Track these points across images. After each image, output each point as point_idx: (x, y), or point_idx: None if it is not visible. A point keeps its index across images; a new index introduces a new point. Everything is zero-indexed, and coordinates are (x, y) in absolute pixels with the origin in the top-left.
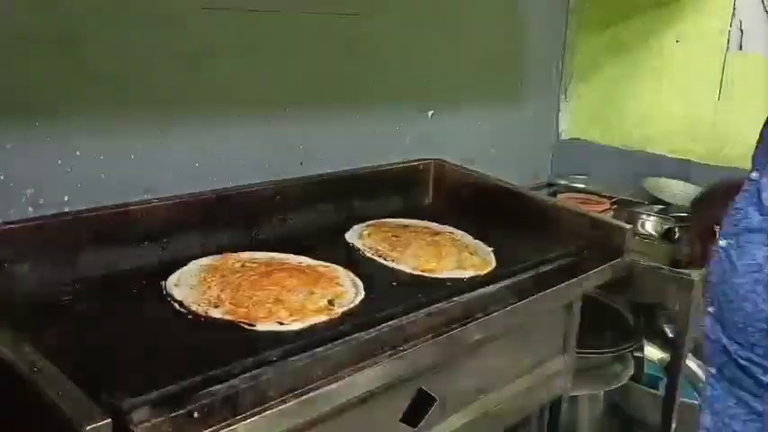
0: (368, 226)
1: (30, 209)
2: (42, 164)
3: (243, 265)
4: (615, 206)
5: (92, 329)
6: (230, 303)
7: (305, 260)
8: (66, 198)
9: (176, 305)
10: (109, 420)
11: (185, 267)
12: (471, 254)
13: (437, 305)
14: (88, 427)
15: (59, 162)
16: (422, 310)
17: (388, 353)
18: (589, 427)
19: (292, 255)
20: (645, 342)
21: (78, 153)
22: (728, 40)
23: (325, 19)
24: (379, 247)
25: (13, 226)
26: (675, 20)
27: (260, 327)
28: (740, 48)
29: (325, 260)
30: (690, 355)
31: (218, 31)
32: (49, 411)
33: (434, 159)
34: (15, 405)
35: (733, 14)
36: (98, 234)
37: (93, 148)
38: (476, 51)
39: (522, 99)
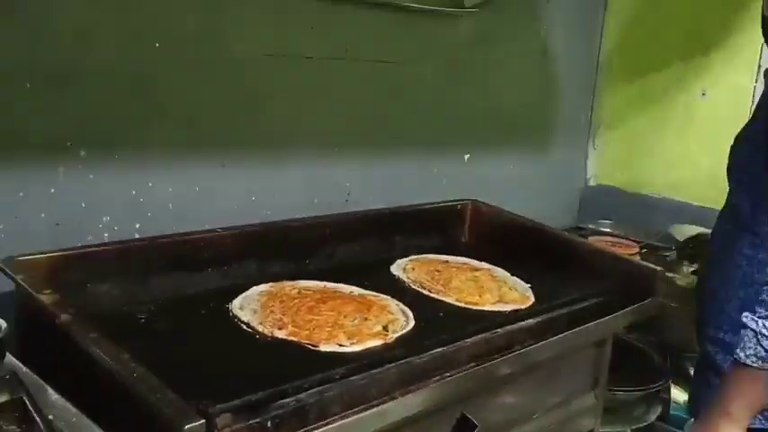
0: (411, 260)
1: (105, 235)
2: (118, 194)
3: (299, 292)
4: (644, 250)
5: (170, 345)
6: (292, 326)
7: (356, 289)
8: (137, 226)
9: (243, 326)
10: (203, 421)
11: (246, 292)
12: (510, 289)
13: (482, 335)
14: (186, 427)
15: (134, 193)
16: (468, 340)
17: (437, 377)
18: None
19: (344, 284)
20: (671, 383)
21: (150, 185)
22: (753, 95)
23: (370, 66)
24: (424, 281)
25: (94, 249)
26: (702, 73)
27: (323, 348)
28: None
29: (373, 290)
30: None
31: (276, 76)
32: (151, 413)
33: (471, 200)
34: (116, 407)
35: (758, 69)
36: (168, 259)
37: (164, 181)
38: (509, 100)
39: (552, 146)
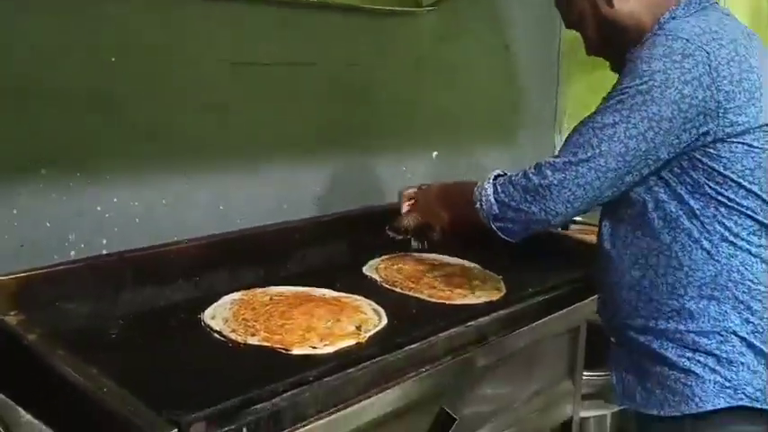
0: (382, 260)
1: (72, 253)
2: (83, 211)
3: (271, 299)
4: None
5: (142, 358)
6: (265, 332)
7: (328, 292)
8: (104, 241)
9: (216, 335)
10: (175, 431)
11: (218, 302)
12: (482, 282)
13: (454, 329)
14: None
15: (98, 209)
16: (441, 334)
17: (413, 374)
18: None
19: (315, 288)
20: None
21: (115, 200)
22: None
23: (335, 70)
24: (396, 279)
25: (60, 268)
26: None
27: (295, 351)
28: None
29: (346, 292)
30: None
31: (239, 84)
32: (123, 427)
33: None
34: (89, 423)
35: None
36: (136, 273)
37: (128, 195)
38: (475, 95)
39: (519, 137)
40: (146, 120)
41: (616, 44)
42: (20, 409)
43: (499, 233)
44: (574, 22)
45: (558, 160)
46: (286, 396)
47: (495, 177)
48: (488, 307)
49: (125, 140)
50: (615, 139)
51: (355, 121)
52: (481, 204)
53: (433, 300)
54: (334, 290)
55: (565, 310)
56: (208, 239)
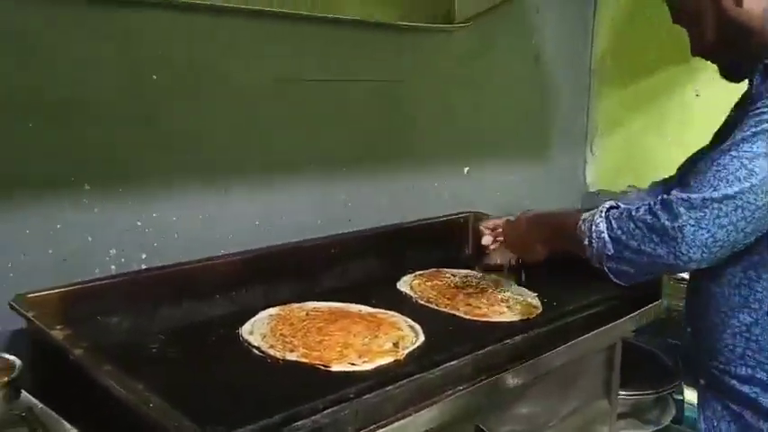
0: (417, 276)
1: (112, 267)
2: (124, 225)
3: (308, 314)
4: None
5: (184, 373)
6: (303, 348)
7: (364, 308)
8: (143, 256)
9: (255, 350)
10: None
11: (255, 317)
12: (518, 299)
13: (491, 347)
14: None
15: (139, 223)
16: (478, 352)
17: (450, 391)
18: None
19: (351, 303)
20: (683, 385)
21: (155, 215)
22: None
23: (369, 86)
24: (431, 295)
25: (102, 282)
26: (694, 73)
27: (334, 368)
28: None
29: (381, 308)
30: None
31: (277, 100)
32: None
33: (473, 212)
34: None
35: None
36: (175, 288)
37: (168, 210)
38: (505, 110)
39: (550, 153)
40: (186, 135)
41: (737, 48)
42: (65, 422)
43: (611, 275)
44: (686, 19)
45: (694, 196)
46: (326, 413)
47: (608, 209)
48: (525, 325)
49: (166, 156)
50: None
51: (390, 136)
52: (591, 241)
53: (469, 317)
54: (369, 305)
55: (602, 329)
56: (245, 255)
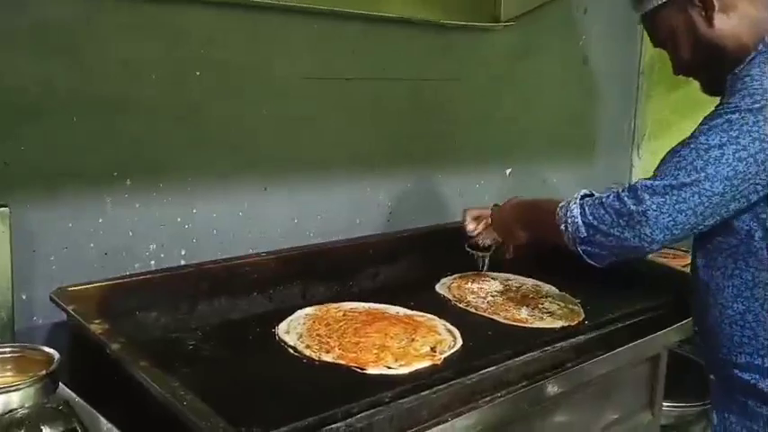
0: (456, 278)
1: (152, 262)
2: (164, 221)
3: (344, 315)
4: None
5: (220, 371)
6: (339, 349)
7: (401, 310)
8: (183, 252)
9: (290, 350)
10: None
11: (292, 316)
12: (559, 306)
13: (531, 354)
14: None
15: (179, 219)
16: (518, 359)
17: (487, 398)
18: None
19: (389, 305)
20: None
21: (194, 211)
22: None
23: (411, 85)
24: (470, 299)
25: (141, 278)
26: None
27: (370, 370)
28: None
29: (419, 310)
30: None
31: (318, 99)
32: None
33: None
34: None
35: None
36: (213, 285)
37: (208, 207)
38: (551, 112)
39: (595, 156)
40: (227, 133)
41: (712, 65)
42: (101, 417)
43: (584, 257)
44: (662, 42)
45: (657, 183)
46: (362, 416)
47: (582, 197)
48: (566, 332)
49: (207, 153)
50: (723, 161)
51: (431, 136)
52: (566, 226)
53: (508, 322)
54: (407, 308)
55: (645, 339)
56: (283, 253)
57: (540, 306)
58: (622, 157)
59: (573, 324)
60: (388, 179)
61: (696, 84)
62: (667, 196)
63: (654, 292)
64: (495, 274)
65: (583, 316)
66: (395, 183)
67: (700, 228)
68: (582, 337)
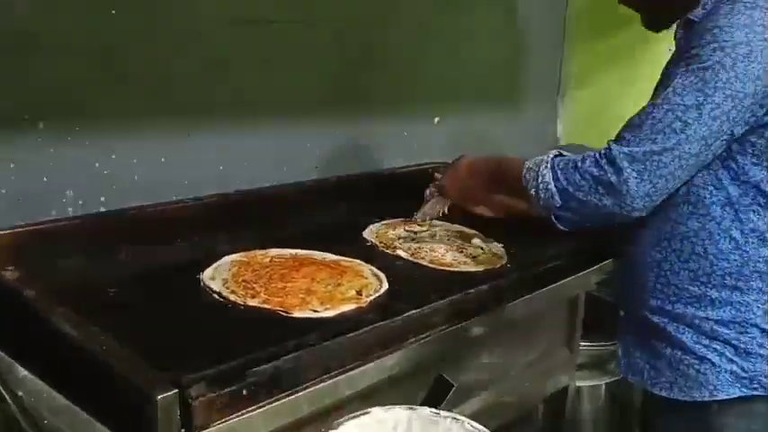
0: (383, 225)
1: (69, 209)
2: (81, 167)
3: (271, 260)
4: None
5: (142, 317)
6: (265, 294)
7: (328, 255)
8: (102, 199)
9: (215, 296)
10: (176, 391)
11: (217, 262)
12: (484, 250)
13: (455, 296)
14: (159, 397)
15: (97, 165)
16: (442, 301)
17: (412, 340)
18: (591, 416)
19: (315, 251)
20: None
21: (114, 156)
22: None
23: (338, 30)
24: (397, 244)
25: (58, 224)
26: (669, 30)
27: (296, 314)
28: None
29: (346, 256)
30: None
31: (241, 42)
32: (122, 385)
33: (442, 163)
34: (87, 381)
35: None
36: (135, 232)
37: (128, 152)
38: (478, 61)
39: (522, 105)
40: (146, 75)
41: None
42: (17, 365)
43: (556, 222)
44: None
45: (636, 149)
46: (287, 359)
47: (553, 159)
48: (489, 275)
49: (125, 95)
50: (701, 121)
51: (357, 83)
52: (537, 192)
53: (434, 266)
54: (334, 253)
55: (565, 280)
56: (208, 199)
57: (465, 251)
58: (549, 106)
59: (496, 267)
60: (316, 126)
61: (620, 35)
62: (648, 162)
63: (574, 235)
64: (421, 221)
65: (506, 260)
66: (323, 130)
67: (673, 190)
68: (503, 281)
